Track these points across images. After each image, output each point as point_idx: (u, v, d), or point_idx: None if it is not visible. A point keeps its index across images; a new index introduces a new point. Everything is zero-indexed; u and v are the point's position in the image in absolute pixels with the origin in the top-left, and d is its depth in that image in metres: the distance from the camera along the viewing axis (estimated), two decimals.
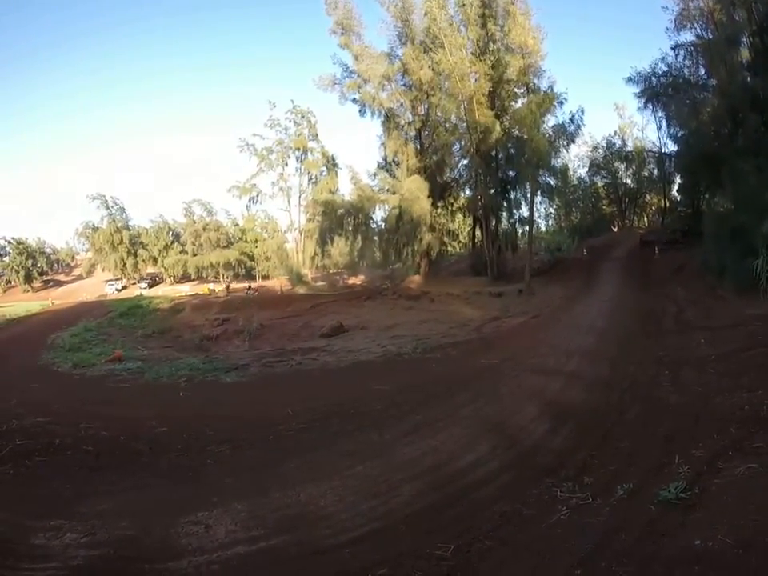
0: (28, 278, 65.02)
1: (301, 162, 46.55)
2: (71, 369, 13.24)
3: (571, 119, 28.56)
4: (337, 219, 33.26)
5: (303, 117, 45.51)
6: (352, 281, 44.07)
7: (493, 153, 31.25)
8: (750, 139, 19.53)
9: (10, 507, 4.98)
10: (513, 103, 31.23)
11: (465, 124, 30.67)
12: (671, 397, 6.97)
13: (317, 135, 46.13)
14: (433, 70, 30.59)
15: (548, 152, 27.16)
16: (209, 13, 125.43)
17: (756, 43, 21.42)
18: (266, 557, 3.94)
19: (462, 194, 36.77)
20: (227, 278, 57.76)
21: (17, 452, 6.45)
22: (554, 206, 40.64)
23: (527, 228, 32.07)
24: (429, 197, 31.69)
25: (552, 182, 30.03)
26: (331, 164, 45.73)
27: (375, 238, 34.01)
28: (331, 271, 46.16)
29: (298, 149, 45.83)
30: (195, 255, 58.72)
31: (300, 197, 47.28)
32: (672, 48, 28.00)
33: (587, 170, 46.02)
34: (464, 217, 40.85)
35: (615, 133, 45.50)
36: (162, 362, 13.72)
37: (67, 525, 4.52)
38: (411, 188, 31.20)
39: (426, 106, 33.72)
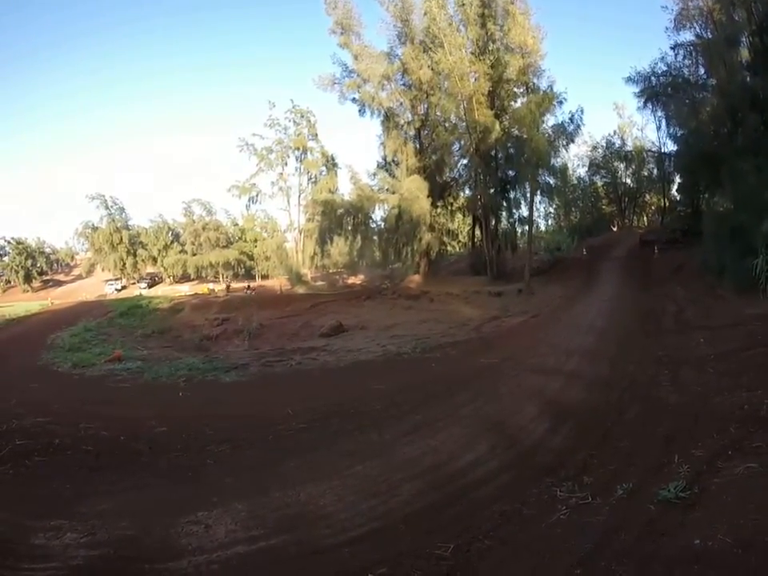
0: (27, 278, 64.96)
1: (300, 161, 46.55)
2: (71, 369, 13.24)
3: (571, 119, 28.67)
4: (336, 219, 33.26)
5: (303, 116, 45.51)
6: (351, 280, 44.07)
7: (492, 152, 31.27)
8: (749, 139, 19.54)
9: (10, 507, 4.98)
10: (512, 103, 31.32)
11: (464, 123, 30.69)
12: (671, 396, 6.98)
13: (316, 135, 46.17)
14: (432, 69, 30.62)
15: (547, 152, 27.17)
16: (209, 13, 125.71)
17: (755, 43, 21.43)
18: (266, 556, 3.95)
19: (462, 194, 36.82)
20: (227, 277, 57.77)
21: (17, 452, 6.45)
22: (554, 206, 40.65)
23: (527, 227, 32.10)
24: (428, 196, 31.71)
25: (551, 182, 30.08)
26: (331, 164, 45.73)
27: (375, 237, 34.01)
28: (331, 271, 46.13)
29: (298, 148, 45.81)
30: (195, 255, 58.70)
31: (299, 196, 47.32)
32: (671, 48, 28.08)
33: (587, 169, 46.25)
34: (463, 216, 40.87)
35: (615, 132, 45.72)
36: (161, 361, 13.72)
37: (67, 525, 4.53)
38: (411, 188, 31.21)
39: (426, 106, 33.75)
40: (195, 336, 19.72)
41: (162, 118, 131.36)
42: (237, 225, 62.10)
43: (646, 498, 4.02)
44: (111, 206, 59.71)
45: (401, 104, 33.98)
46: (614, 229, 46.32)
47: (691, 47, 27.25)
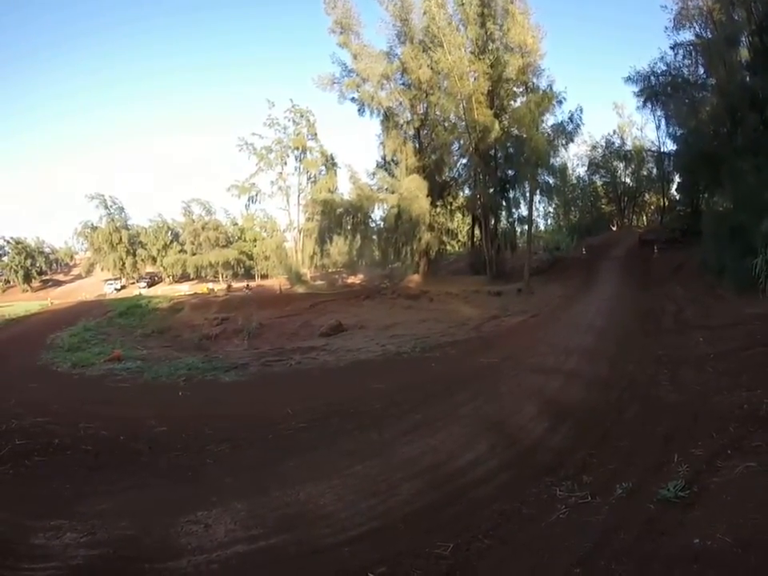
0: (27, 278, 64.93)
1: (300, 161, 46.64)
2: (70, 368, 13.24)
3: (570, 118, 28.67)
4: (336, 218, 33.26)
5: (302, 116, 45.57)
6: (351, 280, 44.06)
7: (492, 152, 31.30)
8: (749, 138, 19.57)
9: (10, 507, 4.98)
10: (512, 102, 31.34)
11: (464, 123, 30.71)
12: (670, 396, 6.98)
13: (316, 134, 46.25)
14: (432, 69, 30.59)
15: (547, 151, 27.20)
16: (208, 13, 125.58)
17: (755, 42, 21.44)
18: (266, 556, 3.95)
19: (461, 193, 36.82)
20: (227, 277, 57.77)
21: (16, 452, 6.44)
22: (553, 205, 40.72)
23: (526, 227, 32.07)
24: (428, 196, 31.70)
25: (551, 181, 30.16)
26: (330, 163, 45.79)
27: (374, 237, 34.03)
28: (330, 270, 46.16)
29: (297, 148, 45.86)
30: (194, 254, 58.71)
31: (299, 196, 47.43)
32: (671, 47, 28.14)
33: (586, 169, 46.25)
34: (463, 216, 40.91)
35: (614, 132, 45.76)
36: (161, 361, 13.72)
37: (67, 524, 4.52)
38: (410, 187, 31.20)
39: (425, 105, 33.70)
40: (195, 335, 19.71)
41: (162, 118, 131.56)
42: (236, 224, 62.08)
43: (645, 498, 4.03)
44: (110, 206, 59.77)
45: (400, 103, 33.98)
46: (614, 228, 46.35)
47: (691, 47, 27.31)
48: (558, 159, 30.18)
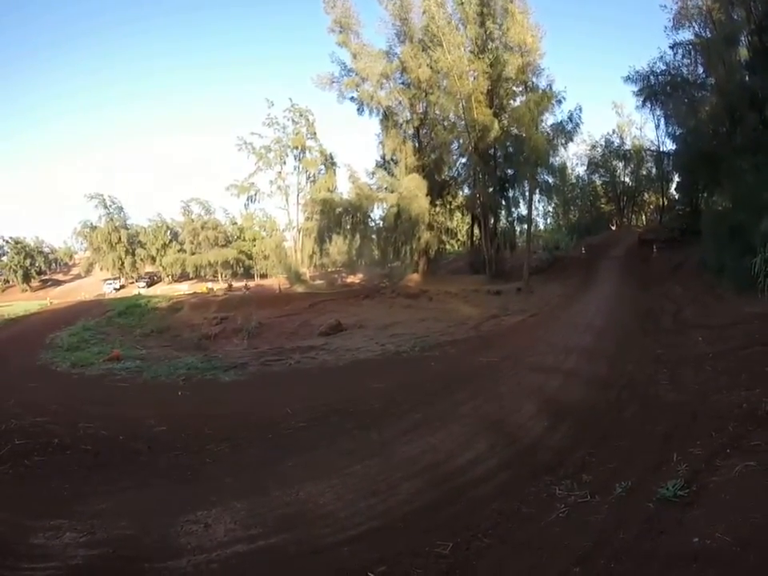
0: (26, 278, 64.84)
1: (299, 160, 46.55)
2: (70, 368, 13.22)
3: (570, 118, 28.68)
4: (335, 218, 33.28)
5: (301, 115, 45.46)
6: (350, 279, 44.08)
7: (491, 151, 31.31)
8: (748, 138, 19.59)
9: (10, 507, 4.98)
10: (511, 102, 31.33)
11: (463, 122, 30.73)
12: (669, 395, 6.99)
13: (315, 134, 46.12)
14: (431, 68, 30.59)
15: (546, 150, 27.24)
16: (208, 12, 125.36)
17: (754, 42, 21.47)
18: (265, 555, 3.95)
19: (461, 193, 36.82)
20: (226, 276, 57.74)
21: (16, 452, 6.44)
22: (553, 205, 40.76)
23: (526, 226, 32.12)
24: (427, 195, 31.72)
25: (550, 181, 30.22)
26: (329, 162, 45.71)
27: (373, 236, 34.05)
28: (329, 270, 46.20)
29: (297, 147, 45.79)
30: (193, 254, 58.63)
31: (298, 195, 47.31)
32: (670, 47, 28.10)
33: (586, 168, 46.17)
34: (462, 215, 40.93)
35: (614, 131, 45.68)
36: (160, 361, 13.71)
37: (66, 524, 4.53)
38: (409, 186, 31.22)
39: (425, 105, 33.71)
40: (194, 335, 19.70)
41: (162, 118, 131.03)
42: (235, 224, 62.02)
43: (644, 497, 4.03)
44: (110, 206, 59.63)
45: (399, 103, 34.00)
46: (613, 228, 46.33)
47: (690, 46, 27.29)
48: (557, 158, 30.30)
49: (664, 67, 28.87)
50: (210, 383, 10.93)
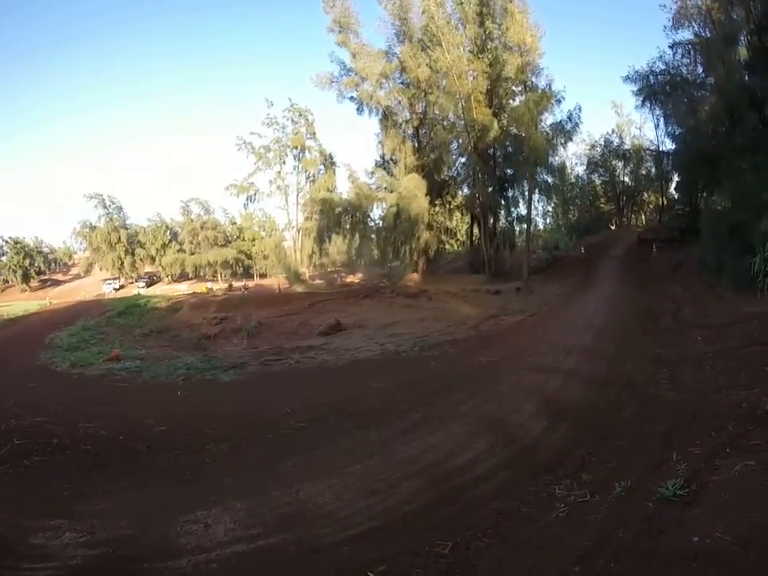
0: (26, 278, 64.78)
1: (298, 160, 46.52)
2: (69, 368, 13.20)
3: (569, 117, 28.67)
4: (334, 217, 33.28)
5: (301, 115, 45.44)
6: (350, 279, 44.13)
7: (491, 151, 31.31)
8: (747, 137, 19.59)
9: (9, 507, 4.98)
10: (511, 101, 31.30)
11: (463, 122, 30.73)
12: (669, 394, 6.99)
13: (314, 133, 46.10)
14: (430, 68, 30.60)
15: (546, 150, 27.24)
16: (207, 12, 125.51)
17: (754, 42, 21.47)
18: (265, 555, 3.95)
19: (460, 192, 36.84)
20: (225, 276, 57.71)
21: (15, 452, 6.44)
22: (552, 204, 40.71)
23: (525, 226, 32.11)
24: (426, 195, 31.72)
25: (550, 180, 30.22)
26: (329, 162, 45.69)
27: (373, 236, 34.04)
28: (329, 269, 46.22)
29: (296, 147, 45.77)
30: (193, 254, 58.59)
31: (298, 195, 47.29)
32: (670, 46, 28.10)
33: (585, 167, 46.23)
34: (462, 215, 40.92)
35: (613, 131, 45.72)
36: (160, 360, 13.70)
37: (66, 524, 4.53)
38: (409, 186, 31.22)
39: (424, 104, 33.71)
40: (193, 335, 19.69)
41: (162, 118, 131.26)
42: (235, 224, 61.99)
43: (644, 496, 4.03)
44: (109, 206, 59.57)
45: (399, 102, 33.99)
46: (613, 227, 46.34)
47: (689, 46, 27.28)
48: (556, 158, 30.30)
49: (663, 67, 28.90)
50: (209, 383, 10.92)
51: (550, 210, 45.55)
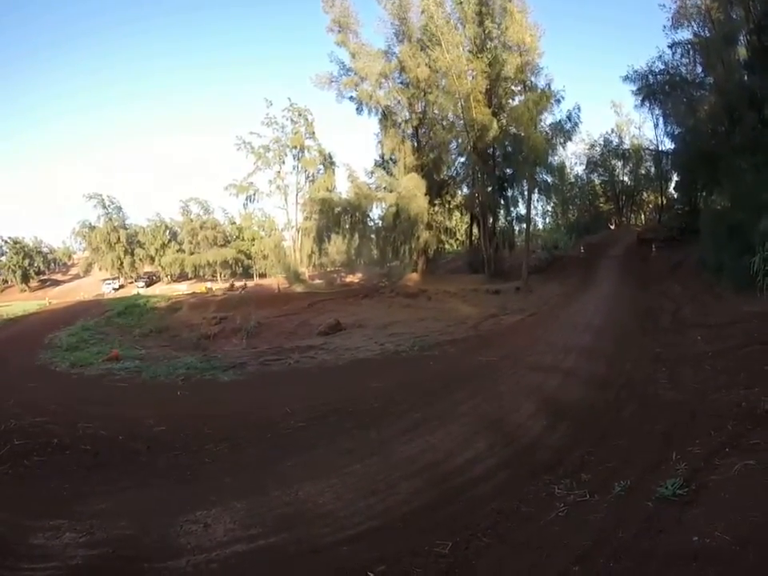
0: (25, 278, 64.77)
1: (298, 159, 46.47)
2: (69, 368, 13.20)
3: (568, 117, 28.67)
4: (334, 217, 33.28)
5: (300, 115, 45.40)
6: (349, 279, 44.12)
7: (490, 150, 31.31)
8: (747, 137, 19.58)
9: (9, 507, 4.98)
10: (510, 101, 31.28)
11: (462, 122, 30.70)
12: (668, 394, 7.00)
13: (314, 133, 46.07)
14: (430, 67, 30.60)
15: (545, 149, 27.26)
16: (208, 12, 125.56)
17: (753, 41, 21.46)
18: (265, 555, 3.95)
19: (460, 192, 36.86)
20: (225, 276, 57.69)
21: (15, 452, 6.44)
22: (551, 204, 40.65)
23: (524, 225, 32.09)
24: (426, 195, 31.73)
25: (549, 180, 30.26)
26: (328, 162, 45.67)
27: (372, 236, 34.06)
28: (328, 269, 46.20)
29: (295, 147, 45.75)
30: (192, 254, 58.56)
31: (297, 195, 47.26)
32: (669, 46, 28.06)
33: (584, 167, 46.14)
34: (461, 214, 40.89)
35: (612, 130, 45.65)
36: (159, 360, 13.69)
37: (66, 524, 4.53)
38: (408, 186, 31.22)
39: (423, 104, 33.70)
40: (193, 335, 19.68)
41: (162, 118, 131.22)
42: (234, 223, 61.95)
43: (643, 496, 4.03)
44: (108, 206, 59.55)
45: (398, 102, 33.99)
46: (612, 227, 46.33)
47: (689, 45, 27.25)
48: (556, 158, 30.31)
49: (663, 66, 28.86)
50: (209, 383, 10.92)
51: (550, 209, 45.54)
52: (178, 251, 60.45)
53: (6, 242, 64.25)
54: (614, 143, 44.80)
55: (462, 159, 34.26)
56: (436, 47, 29.19)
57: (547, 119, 28.89)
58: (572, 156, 45.06)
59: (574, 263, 30.35)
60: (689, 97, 27.10)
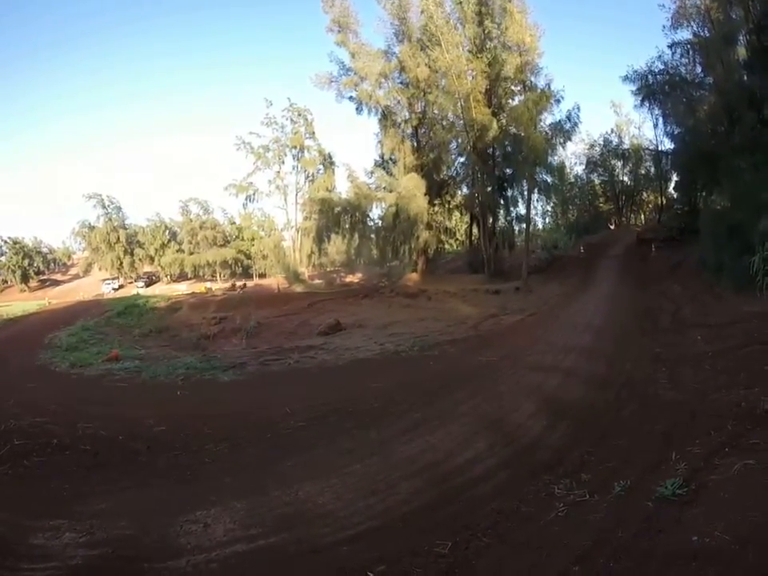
0: (25, 278, 64.78)
1: (297, 159, 46.48)
2: (69, 368, 13.19)
3: (568, 117, 28.66)
4: (334, 217, 33.27)
5: (300, 115, 45.40)
6: (349, 279, 44.12)
7: (490, 150, 31.30)
8: (746, 137, 19.58)
9: (9, 507, 4.98)
10: (510, 101, 31.26)
11: (462, 122, 30.69)
12: (668, 394, 6.99)
13: (313, 133, 46.08)
14: (429, 67, 30.60)
15: (545, 149, 27.27)
16: (208, 12, 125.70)
17: (753, 41, 21.46)
18: (265, 555, 3.95)
19: (459, 192, 36.84)
20: (225, 276, 57.66)
21: (15, 452, 6.44)
22: (551, 204, 40.66)
23: (524, 225, 32.08)
24: (426, 194, 31.72)
25: (549, 180, 30.23)
26: (328, 162, 45.68)
27: (372, 235, 34.04)
28: (328, 269, 46.22)
29: (295, 147, 45.76)
30: (192, 254, 58.55)
31: (297, 195, 47.26)
32: (669, 46, 28.04)
33: (584, 167, 46.23)
34: (461, 214, 40.90)
35: (612, 130, 45.69)
36: (159, 360, 13.68)
37: (66, 524, 4.53)
38: (408, 186, 31.22)
39: (423, 104, 33.69)
40: (193, 335, 19.69)
41: (162, 118, 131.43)
42: (234, 223, 61.93)
43: (643, 495, 4.03)
44: (108, 206, 59.56)
45: (398, 102, 33.98)
46: (612, 227, 46.36)
47: (688, 45, 27.24)
48: (555, 158, 30.32)
49: (662, 66, 28.84)
50: (208, 383, 10.91)
51: (549, 209, 45.57)
52: (177, 251, 60.45)
53: (5, 242, 64.33)
54: (614, 143, 44.90)
55: (462, 159, 34.33)
56: (436, 47, 29.20)
57: (547, 119, 28.96)
58: (572, 156, 45.20)
59: (573, 263, 30.34)
60: (688, 97, 27.10)
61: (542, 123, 28.21)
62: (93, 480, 5.69)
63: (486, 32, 29.48)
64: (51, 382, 11.72)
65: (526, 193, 30.49)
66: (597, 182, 46.81)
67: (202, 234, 58.39)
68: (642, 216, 49.25)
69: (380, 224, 33.79)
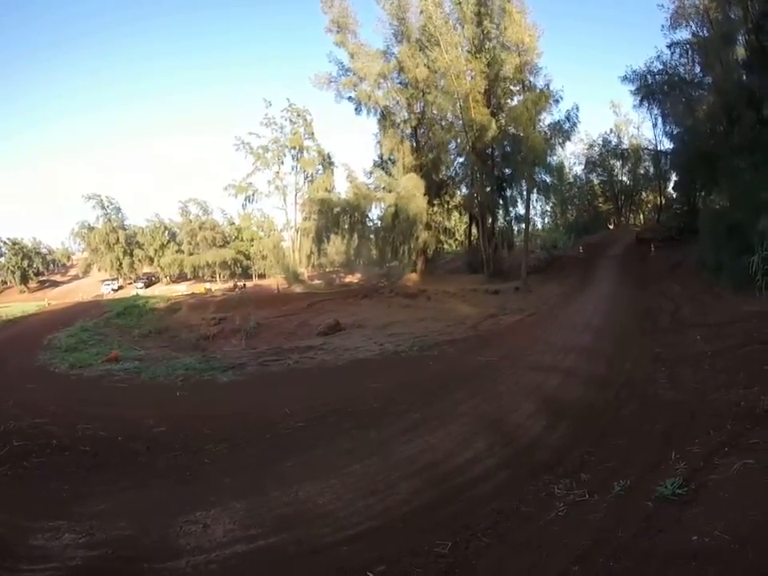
0: (24, 279, 64.67)
1: (297, 160, 46.39)
2: (68, 369, 13.17)
3: (567, 117, 28.68)
4: (333, 217, 33.26)
5: (299, 115, 45.33)
6: (348, 279, 44.09)
7: (489, 151, 31.28)
8: (745, 137, 19.57)
9: (9, 508, 4.98)
10: (509, 101, 31.25)
11: (461, 122, 30.69)
12: (668, 393, 7.00)
13: (313, 133, 45.98)
14: (428, 67, 30.62)
15: (544, 150, 27.27)
16: (208, 12, 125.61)
17: (752, 41, 21.44)
18: (265, 555, 3.95)
19: (458, 192, 36.85)
20: (225, 277, 57.63)
21: (14, 453, 6.44)
22: (550, 204, 40.83)
23: (523, 225, 32.17)
24: (425, 195, 31.71)
25: (548, 180, 30.29)
26: (327, 162, 45.61)
27: (371, 236, 34.04)
28: (328, 270, 46.17)
29: (294, 147, 45.68)
30: (191, 254, 58.51)
31: (296, 195, 47.14)
32: (668, 46, 28.09)
33: (583, 167, 46.32)
34: (460, 215, 40.94)
35: (611, 130, 45.73)
36: (158, 361, 13.67)
37: (65, 525, 4.53)
38: (407, 186, 31.22)
39: (422, 104, 33.67)
40: (192, 335, 19.68)
41: (162, 118, 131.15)
42: (233, 224, 61.88)
43: (643, 495, 4.03)
44: (107, 206, 59.51)
45: (397, 102, 33.96)
46: (611, 227, 46.41)
47: (687, 45, 27.28)
48: (554, 158, 30.40)
49: (661, 66, 28.89)
50: (208, 384, 10.90)
51: (549, 209, 45.80)
52: (177, 252, 60.39)
53: (5, 243, 64.24)
54: (613, 143, 44.97)
55: (461, 159, 34.31)
56: (435, 47, 29.21)
57: (546, 119, 28.96)
58: (571, 156, 45.33)
59: (572, 263, 30.36)
60: (687, 97, 27.13)
61: (541, 123, 28.27)
62: (92, 481, 5.69)
63: (484, 32, 29.48)
64: (50, 383, 11.70)
65: (525, 193, 30.52)
66: (596, 181, 46.85)
67: (202, 235, 58.33)
68: (641, 216, 49.30)
69: (379, 224, 33.77)
